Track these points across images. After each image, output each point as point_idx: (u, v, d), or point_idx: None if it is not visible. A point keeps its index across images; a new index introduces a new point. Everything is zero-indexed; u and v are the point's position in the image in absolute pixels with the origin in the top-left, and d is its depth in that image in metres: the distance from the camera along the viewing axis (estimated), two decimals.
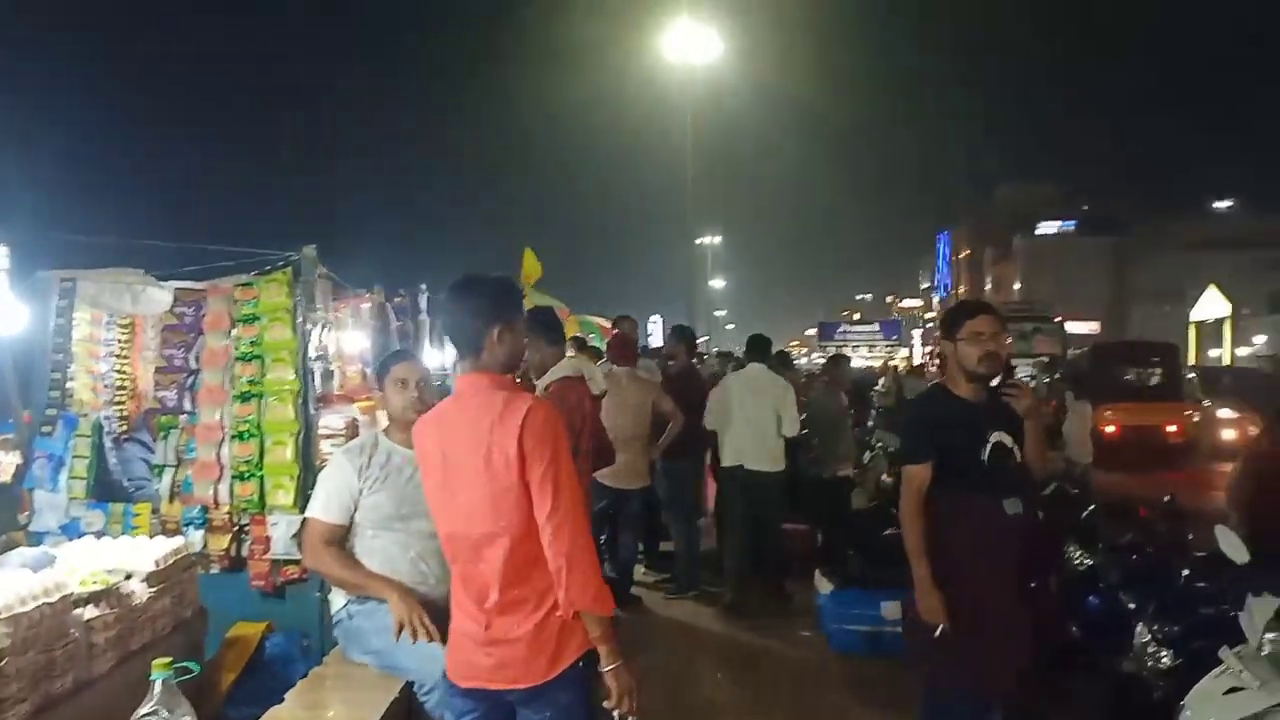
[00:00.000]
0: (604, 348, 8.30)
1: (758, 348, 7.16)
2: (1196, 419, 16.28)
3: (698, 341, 11.87)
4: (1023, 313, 21.47)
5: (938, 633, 3.09)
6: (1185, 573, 4.20)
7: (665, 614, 6.81)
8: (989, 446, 3.16)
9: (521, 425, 2.22)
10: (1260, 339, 40.55)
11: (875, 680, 5.18)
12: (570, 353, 5.61)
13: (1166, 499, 5.32)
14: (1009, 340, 4.60)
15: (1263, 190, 67.82)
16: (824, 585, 5.97)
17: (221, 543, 4.28)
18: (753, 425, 6.74)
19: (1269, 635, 2.84)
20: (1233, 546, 3.15)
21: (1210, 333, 39.81)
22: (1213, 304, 37.02)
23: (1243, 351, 34.66)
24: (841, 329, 37.97)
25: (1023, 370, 15.48)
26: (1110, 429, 14.96)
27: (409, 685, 3.05)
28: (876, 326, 41.54)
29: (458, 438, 2.34)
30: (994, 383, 3.30)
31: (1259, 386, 16.86)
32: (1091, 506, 5.68)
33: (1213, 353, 39.68)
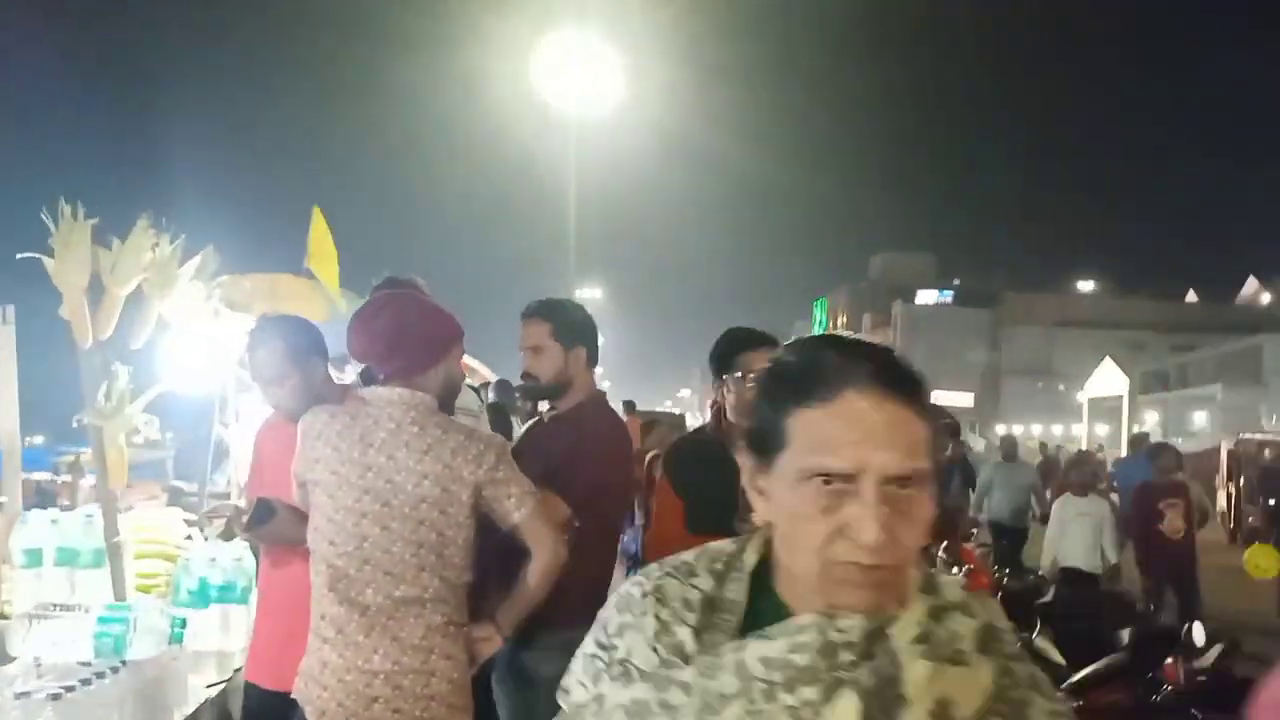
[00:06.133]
0: None
1: None
2: None
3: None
4: None
5: None
6: None
7: None
8: None
9: None
10: (1153, 417, 39.42)
11: None
12: None
13: None
14: None
15: (1123, 272, 70.05)
16: None
17: None
18: None
19: None
20: None
21: (1100, 410, 38.61)
22: (1108, 380, 35.79)
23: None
24: None
25: None
26: None
27: None
28: None
29: None
30: None
31: None
32: None
33: (1099, 429, 38.25)
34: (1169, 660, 3.40)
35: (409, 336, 2.31)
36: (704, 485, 2.74)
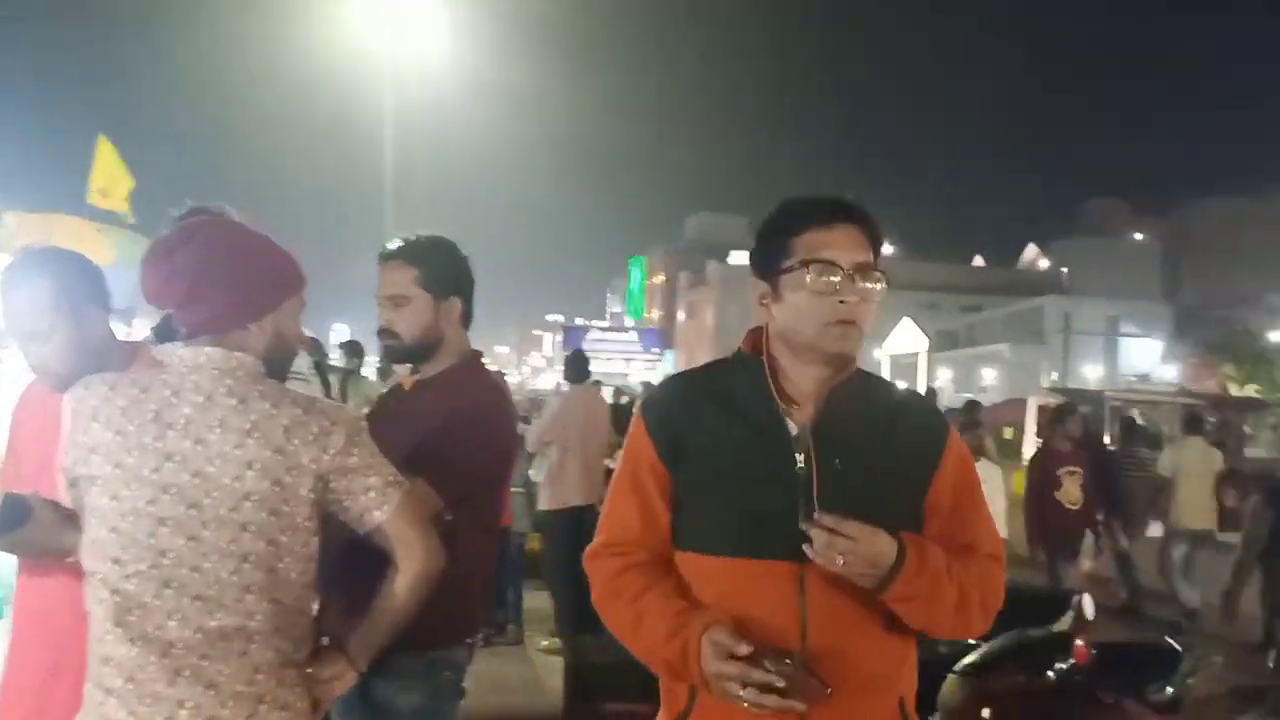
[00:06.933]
0: None
1: None
2: None
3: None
4: None
5: None
6: None
7: None
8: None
9: None
10: (946, 373, 42.07)
11: None
12: None
13: None
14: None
15: (920, 238, 74.88)
16: None
17: None
18: None
19: None
20: None
21: (899, 367, 40.84)
22: (906, 338, 37.81)
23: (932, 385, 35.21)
24: (592, 335, 32.62)
25: None
26: None
27: None
28: (635, 335, 36.26)
29: None
30: None
31: None
32: None
33: (898, 385, 40.42)
34: (1078, 641, 3.25)
35: (225, 273, 1.69)
36: (740, 461, 1.55)
